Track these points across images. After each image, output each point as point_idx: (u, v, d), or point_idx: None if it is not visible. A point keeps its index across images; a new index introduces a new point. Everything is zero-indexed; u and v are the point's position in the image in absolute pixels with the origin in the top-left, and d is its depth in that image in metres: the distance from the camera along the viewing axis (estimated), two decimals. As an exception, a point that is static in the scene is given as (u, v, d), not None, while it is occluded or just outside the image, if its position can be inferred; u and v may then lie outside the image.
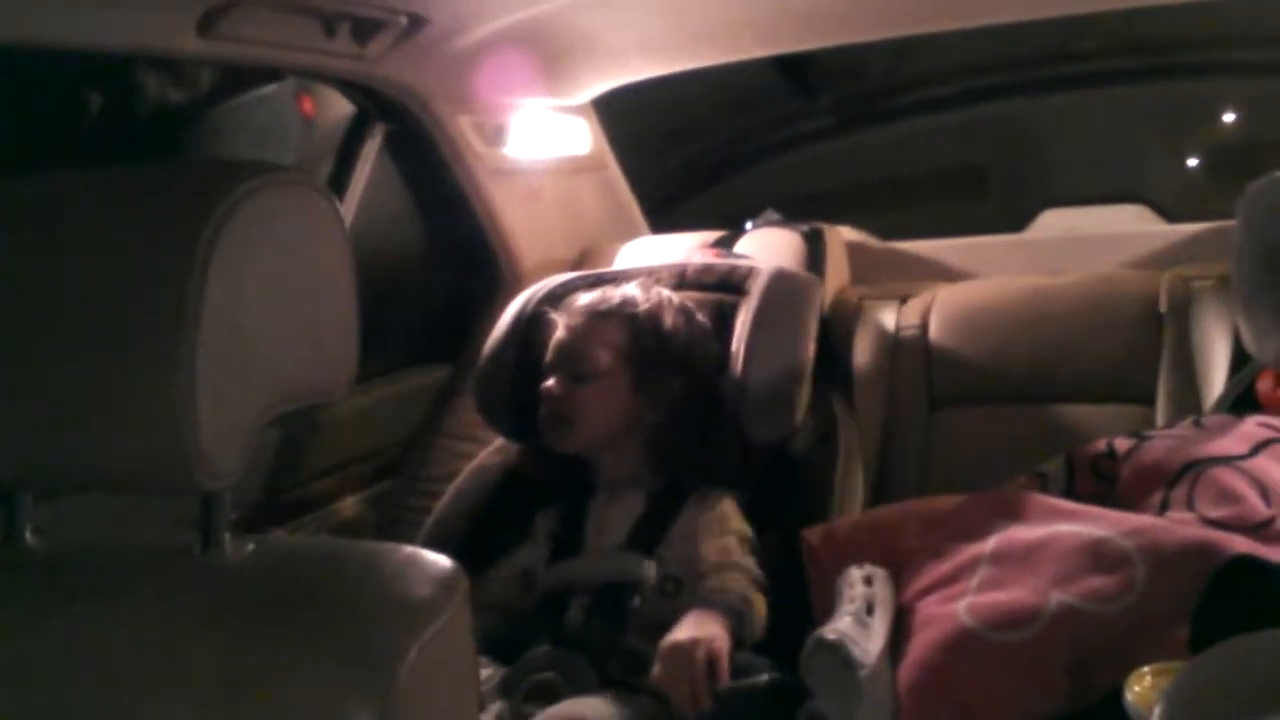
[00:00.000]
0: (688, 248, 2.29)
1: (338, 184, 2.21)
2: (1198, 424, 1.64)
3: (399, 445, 2.26)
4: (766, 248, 2.25)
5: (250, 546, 0.91)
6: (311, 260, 0.92)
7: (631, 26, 2.29)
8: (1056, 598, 1.35)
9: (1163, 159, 3.99)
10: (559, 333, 1.81)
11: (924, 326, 2.14)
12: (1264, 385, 1.73)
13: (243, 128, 3.08)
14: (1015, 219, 3.10)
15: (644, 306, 1.79)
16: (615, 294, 1.82)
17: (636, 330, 1.77)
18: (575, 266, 2.40)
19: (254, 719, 0.79)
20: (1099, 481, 1.61)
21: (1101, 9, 2.48)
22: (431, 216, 2.49)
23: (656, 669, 1.47)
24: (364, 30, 1.92)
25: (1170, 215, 2.96)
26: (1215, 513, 1.43)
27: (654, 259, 2.20)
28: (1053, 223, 2.98)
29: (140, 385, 0.82)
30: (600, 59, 2.41)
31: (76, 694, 0.83)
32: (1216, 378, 1.86)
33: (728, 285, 1.94)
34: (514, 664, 1.59)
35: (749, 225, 2.41)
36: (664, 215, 2.95)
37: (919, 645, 1.38)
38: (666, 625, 1.52)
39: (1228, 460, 1.50)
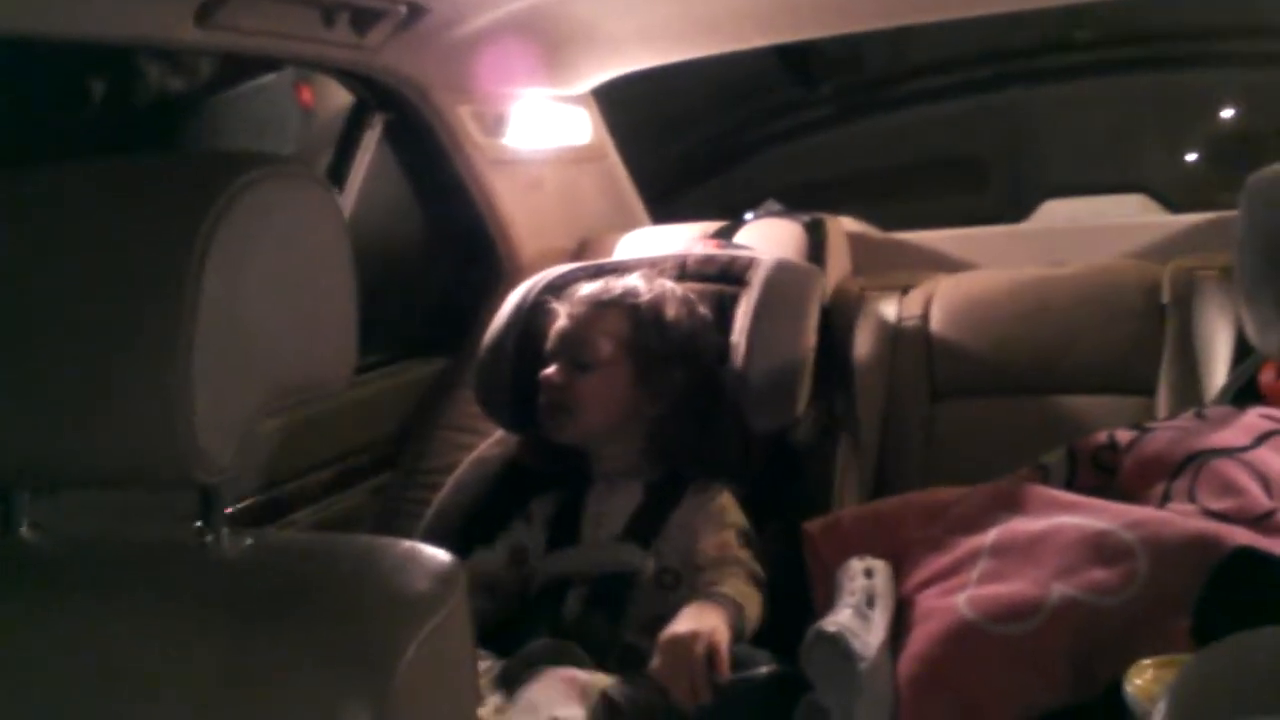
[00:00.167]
0: (688, 238, 2.28)
1: (337, 174, 2.21)
2: (1200, 415, 1.63)
3: (398, 437, 2.26)
4: (767, 238, 2.24)
5: (248, 541, 0.90)
6: (310, 252, 0.92)
7: (631, 15, 2.28)
8: (1058, 590, 1.35)
9: (1164, 149, 3.99)
10: (561, 321, 1.80)
11: (925, 317, 2.14)
12: (1266, 377, 1.72)
13: (241, 118, 3.07)
14: (1016, 209, 3.10)
15: (646, 297, 1.79)
16: (618, 284, 1.82)
17: (639, 321, 1.77)
18: (575, 257, 2.40)
19: (251, 715, 0.79)
20: (1100, 473, 1.61)
21: (1098, -1, 2.48)
22: (431, 207, 2.48)
23: (656, 661, 1.46)
24: (363, 19, 1.91)
25: (1172, 205, 2.96)
26: (1217, 504, 1.43)
27: (654, 250, 2.20)
28: (1054, 213, 2.98)
29: (137, 379, 0.82)
30: (600, 48, 2.40)
31: (74, 689, 0.83)
32: (1219, 369, 1.85)
33: (728, 276, 1.93)
34: (512, 656, 1.59)
35: (749, 216, 2.41)
36: (664, 205, 2.95)
37: (919, 638, 1.38)
38: (664, 618, 1.52)
39: (1230, 452, 1.50)
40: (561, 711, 1.44)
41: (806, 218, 2.32)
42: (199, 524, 0.89)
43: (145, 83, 2.96)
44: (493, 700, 1.52)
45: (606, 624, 1.62)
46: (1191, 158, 4.05)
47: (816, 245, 2.26)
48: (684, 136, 4.22)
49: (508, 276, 2.35)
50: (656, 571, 1.67)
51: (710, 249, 2.10)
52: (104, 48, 1.72)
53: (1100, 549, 1.37)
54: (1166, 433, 1.59)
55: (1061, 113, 3.99)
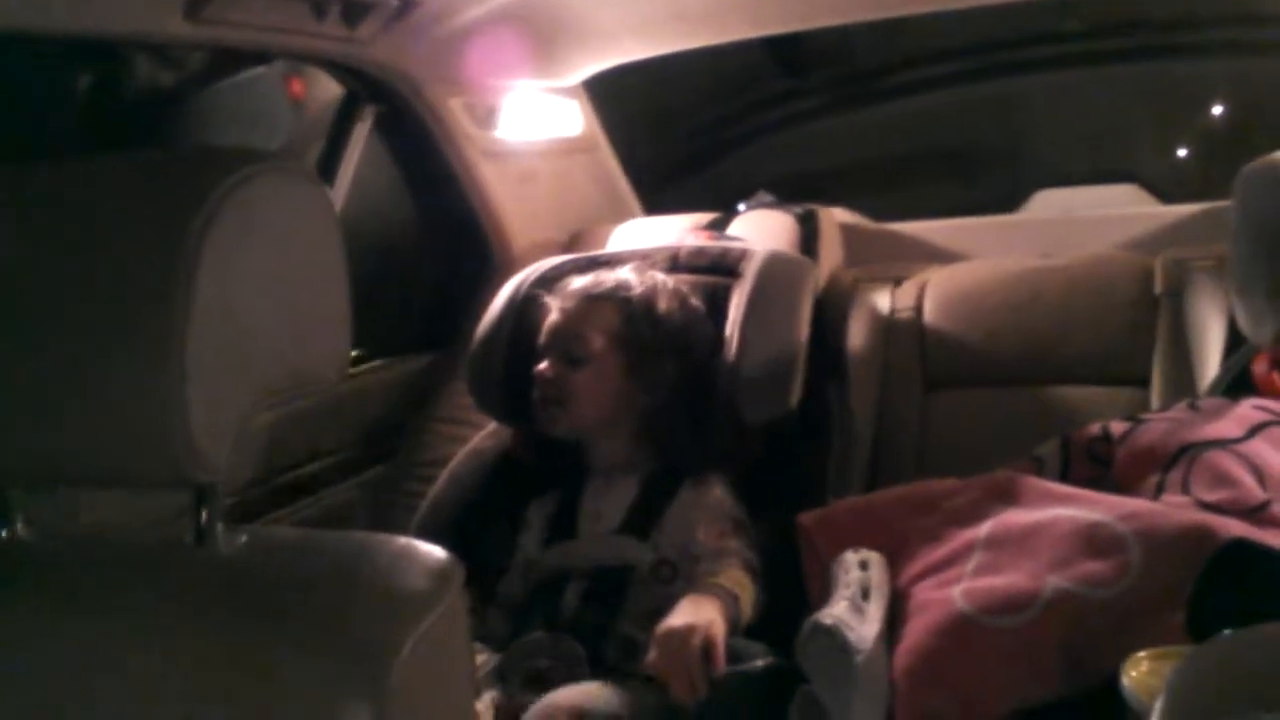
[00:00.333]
0: (681, 230, 2.28)
1: (328, 167, 2.20)
2: (1193, 407, 1.63)
3: (391, 430, 2.25)
4: (760, 230, 2.24)
5: (243, 538, 0.90)
6: (303, 248, 0.91)
7: (623, 7, 2.28)
8: (1052, 582, 1.35)
9: (1155, 138, 3.99)
10: (552, 315, 1.80)
11: (918, 309, 2.14)
12: (1259, 368, 1.72)
13: (231, 111, 3.06)
14: (1008, 199, 3.10)
15: (638, 290, 1.78)
16: (609, 277, 1.81)
17: (630, 314, 1.76)
18: (567, 249, 2.39)
19: (248, 713, 0.79)
20: (1094, 465, 1.61)
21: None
22: (422, 199, 2.48)
23: (652, 654, 1.46)
24: (354, 12, 1.90)
25: (1164, 195, 2.96)
26: (1211, 496, 1.43)
27: (647, 241, 2.20)
28: (1046, 202, 2.98)
29: (132, 377, 0.81)
30: (591, 40, 2.40)
31: (69, 687, 0.83)
32: (1212, 360, 1.86)
33: (721, 268, 1.93)
34: (509, 650, 1.59)
35: (742, 207, 2.41)
36: (656, 197, 2.94)
37: (915, 630, 1.38)
38: (661, 610, 1.52)
39: (1223, 443, 1.50)
40: None
41: (799, 209, 2.32)
42: (194, 522, 0.89)
43: (135, 77, 2.95)
44: (489, 695, 1.52)
45: (604, 618, 1.62)
46: (1182, 153, 4.05)
47: (809, 236, 2.26)
48: (676, 128, 4.22)
49: (500, 269, 2.35)
50: (654, 564, 1.67)
51: (703, 241, 2.09)
52: (93, 42, 1.72)
53: (1094, 541, 1.37)
54: (1160, 424, 1.59)
55: (1053, 103, 3.99)
